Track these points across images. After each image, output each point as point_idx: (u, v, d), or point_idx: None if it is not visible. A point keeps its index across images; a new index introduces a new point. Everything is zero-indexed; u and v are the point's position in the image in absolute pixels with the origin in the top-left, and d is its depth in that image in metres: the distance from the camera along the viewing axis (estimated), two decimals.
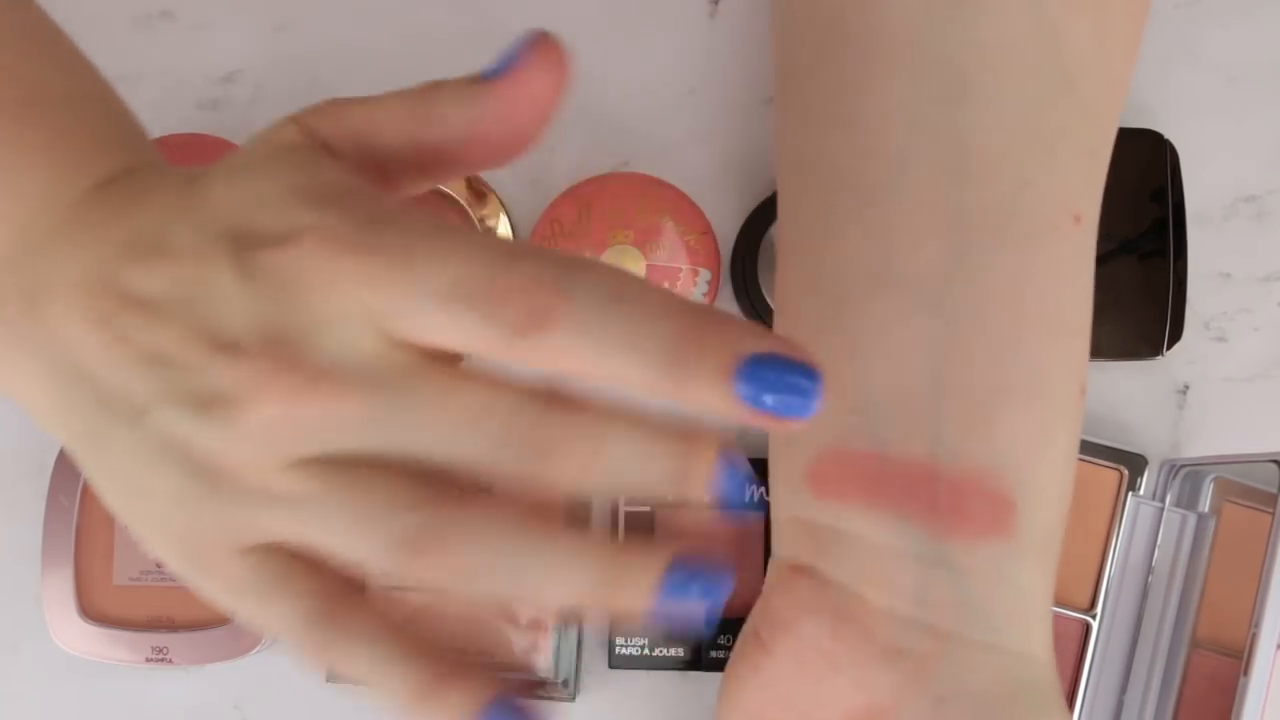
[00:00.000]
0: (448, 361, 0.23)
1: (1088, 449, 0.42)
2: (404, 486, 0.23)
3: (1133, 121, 0.45)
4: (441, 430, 0.22)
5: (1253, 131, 0.45)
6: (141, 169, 0.28)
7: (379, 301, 0.22)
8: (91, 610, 0.42)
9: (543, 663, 0.42)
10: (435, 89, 0.25)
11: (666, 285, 0.42)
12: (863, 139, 0.32)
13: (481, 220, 0.43)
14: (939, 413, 0.31)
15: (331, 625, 0.24)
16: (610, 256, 0.42)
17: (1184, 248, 0.43)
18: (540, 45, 0.24)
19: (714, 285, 0.42)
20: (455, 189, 0.43)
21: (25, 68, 0.28)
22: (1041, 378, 0.32)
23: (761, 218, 0.44)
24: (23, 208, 0.26)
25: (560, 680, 0.42)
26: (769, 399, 0.21)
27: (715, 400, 0.21)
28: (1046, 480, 0.32)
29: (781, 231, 0.36)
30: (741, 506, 0.21)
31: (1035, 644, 0.32)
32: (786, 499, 0.34)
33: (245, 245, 0.23)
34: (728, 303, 0.45)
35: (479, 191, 0.44)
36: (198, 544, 0.25)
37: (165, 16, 0.47)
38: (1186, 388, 0.45)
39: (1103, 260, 0.43)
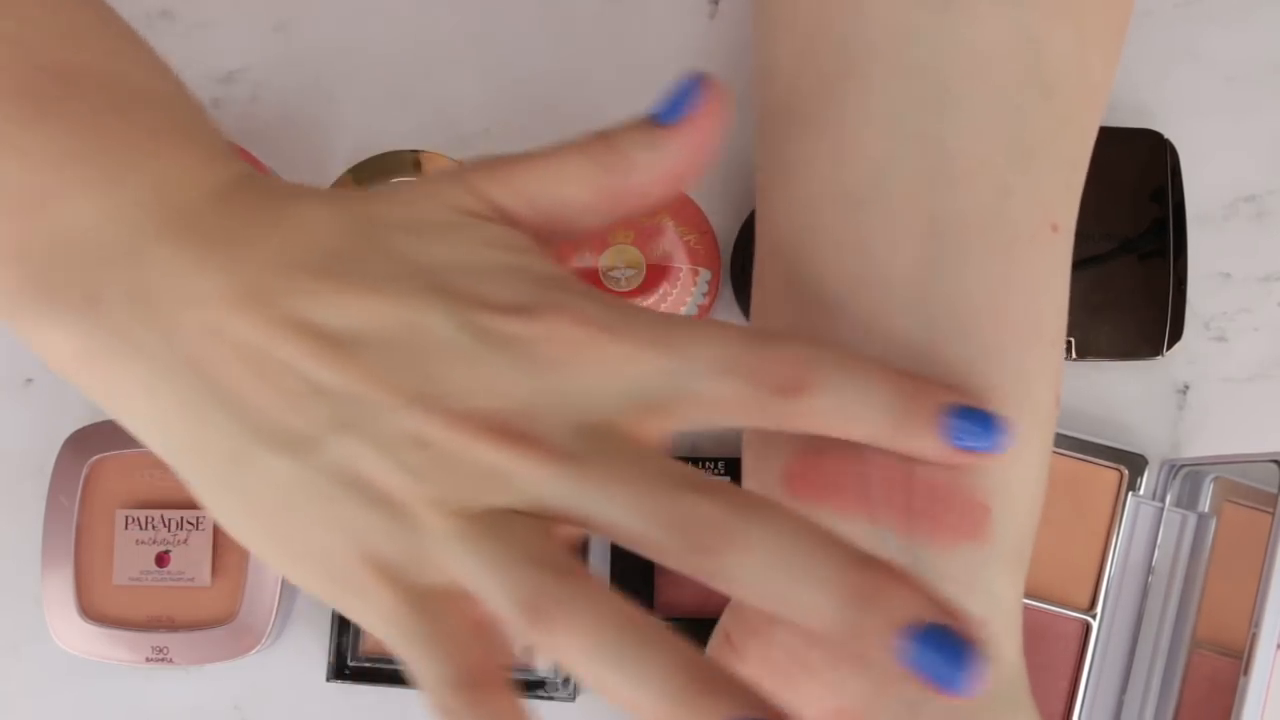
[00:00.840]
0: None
1: (1088, 449, 0.42)
2: (551, 539, 0.25)
3: (1133, 121, 0.45)
4: (629, 506, 0.24)
5: (1253, 131, 0.45)
6: (254, 181, 0.28)
7: (644, 378, 0.25)
8: (91, 610, 0.42)
9: (543, 663, 0.42)
10: (613, 139, 0.27)
11: (665, 285, 0.42)
12: (843, 144, 0.32)
13: None
14: None
15: (467, 697, 0.25)
16: (610, 256, 0.42)
17: (1184, 248, 0.43)
18: (710, 87, 0.27)
19: (714, 285, 0.42)
20: None
21: (113, 65, 0.28)
22: (1020, 385, 0.32)
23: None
24: (127, 206, 0.26)
25: (560, 680, 0.42)
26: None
27: (928, 444, 0.26)
28: (1021, 487, 0.32)
29: (760, 235, 0.36)
30: (939, 682, 0.23)
31: (1006, 648, 0.32)
32: None
33: (470, 305, 0.25)
34: (728, 303, 0.45)
35: None
36: (353, 570, 0.25)
37: (165, 16, 0.47)
38: (1186, 388, 0.45)
39: (1103, 260, 0.43)
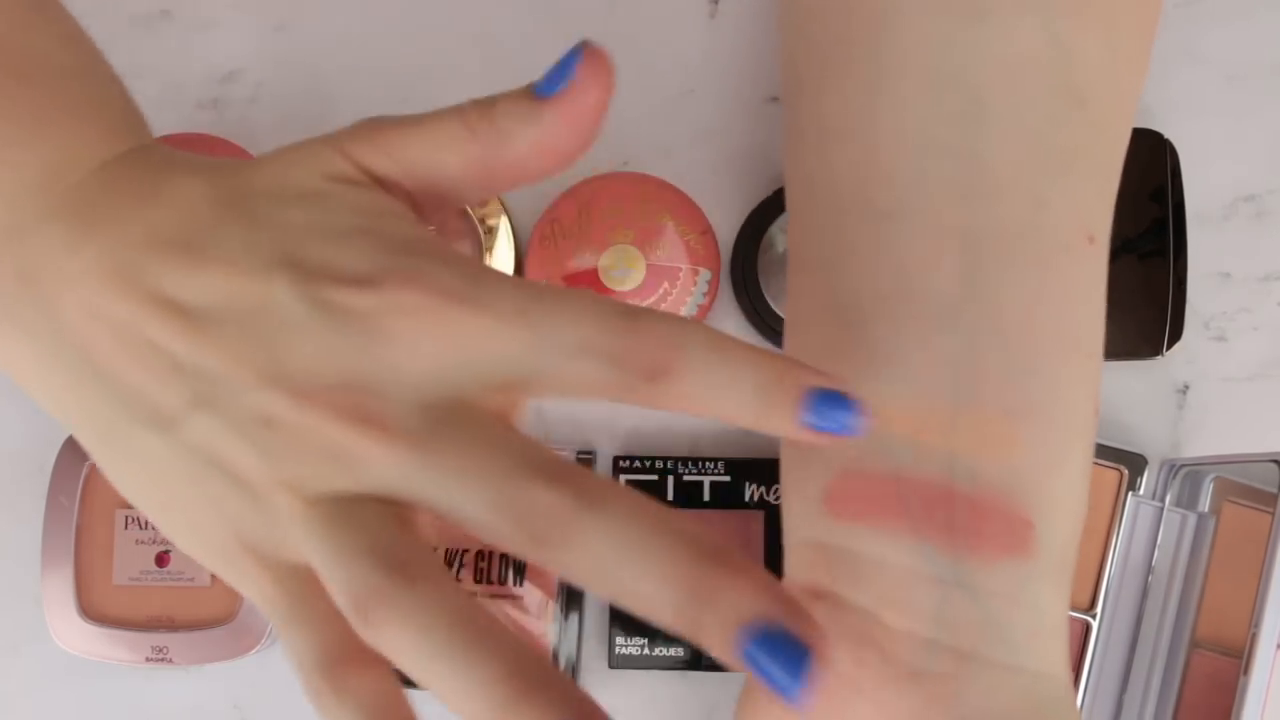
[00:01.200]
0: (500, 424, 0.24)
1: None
2: (400, 530, 0.24)
3: (1133, 121, 0.45)
4: (470, 494, 0.23)
5: (1253, 131, 0.45)
6: (146, 155, 0.28)
7: (500, 355, 0.24)
8: (91, 610, 0.42)
9: None
10: (489, 108, 0.27)
11: (665, 285, 0.42)
12: (875, 158, 0.32)
13: (482, 220, 0.43)
14: (956, 433, 0.31)
15: (330, 677, 0.24)
16: (610, 256, 0.42)
17: (1184, 247, 0.43)
18: (592, 57, 0.26)
19: (714, 285, 0.42)
20: None
21: (21, 38, 0.28)
22: (1059, 398, 0.32)
23: (761, 218, 0.44)
24: (17, 184, 0.26)
25: None
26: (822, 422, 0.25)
27: (788, 425, 0.25)
28: (1063, 499, 0.32)
29: (793, 250, 0.35)
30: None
31: (1054, 662, 0.32)
32: (801, 522, 0.34)
33: (315, 277, 0.24)
34: (727, 303, 0.45)
35: None
36: (230, 548, 0.25)
37: (165, 16, 0.47)
38: (1186, 388, 0.45)
39: None
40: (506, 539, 0.23)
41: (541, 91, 0.26)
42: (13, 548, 0.43)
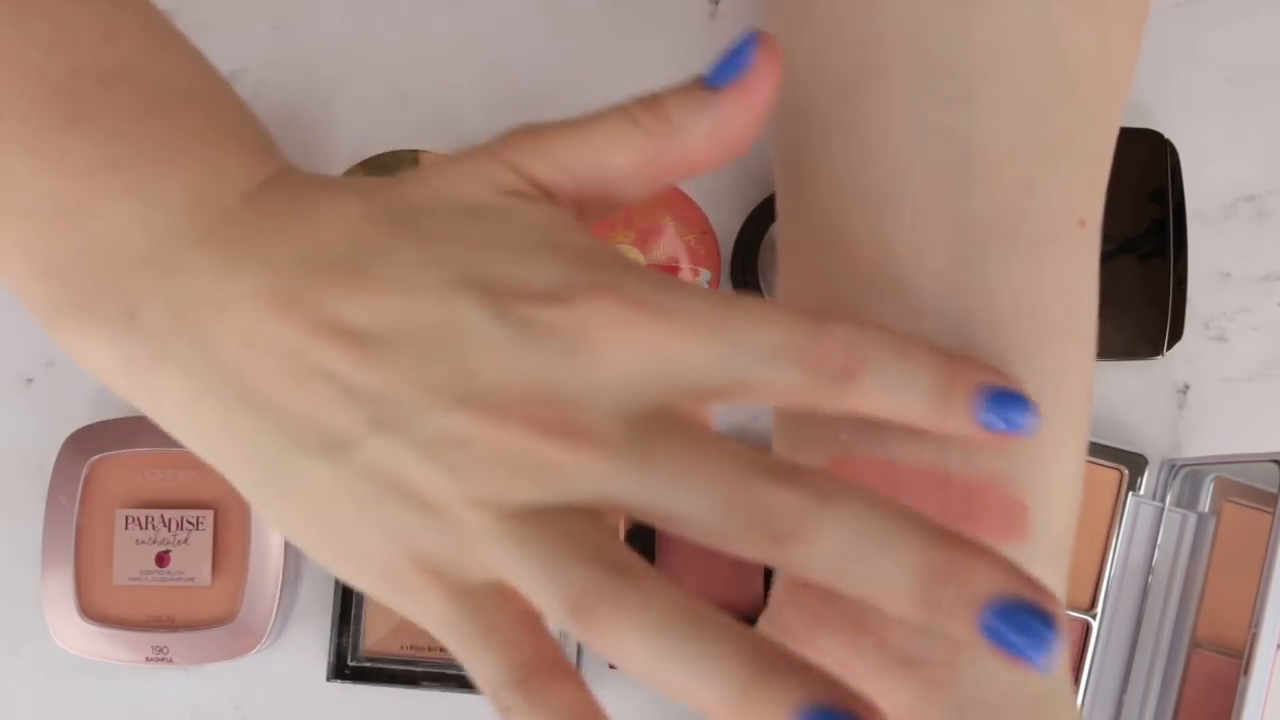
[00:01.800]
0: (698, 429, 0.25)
1: (1088, 449, 0.42)
2: (608, 534, 0.24)
3: (1133, 121, 0.45)
4: (697, 498, 0.24)
5: (1253, 131, 0.45)
6: (290, 177, 0.27)
7: (698, 363, 0.24)
8: (91, 610, 0.42)
9: None
10: (658, 104, 0.27)
11: None
12: (866, 144, 0.32)
13: None
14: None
15: (524, 692, 0.24)
16: None
17: (1184, 247, 0.43)
18: (766, 45, 0.26)
19: (714, 285, 0.42)
20: None
21: (149, 64, 0.27)
22: (1052, 384, 0.31)
23: (761, 218, 0.44)
24: (163, 214, 0.25)
25: None
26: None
27: (963, 424, 0.26)
28: (1059, 485, 0.32)
29: (782, 237, 0.35)
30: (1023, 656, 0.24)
31: None
32: None
33: (505, 294, 0.24)
34: None
35: None
36: (402, 571, 0.25)
37: None
38: (1186, 387, 0.45)
39: (1103, 260, 0.43)
40: (738, 540, 0.23)
41: (714, 81, 0.26)
42: (13, 548, 0.43)
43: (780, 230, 0.36)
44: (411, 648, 0.42)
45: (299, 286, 0.24)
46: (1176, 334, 0.43)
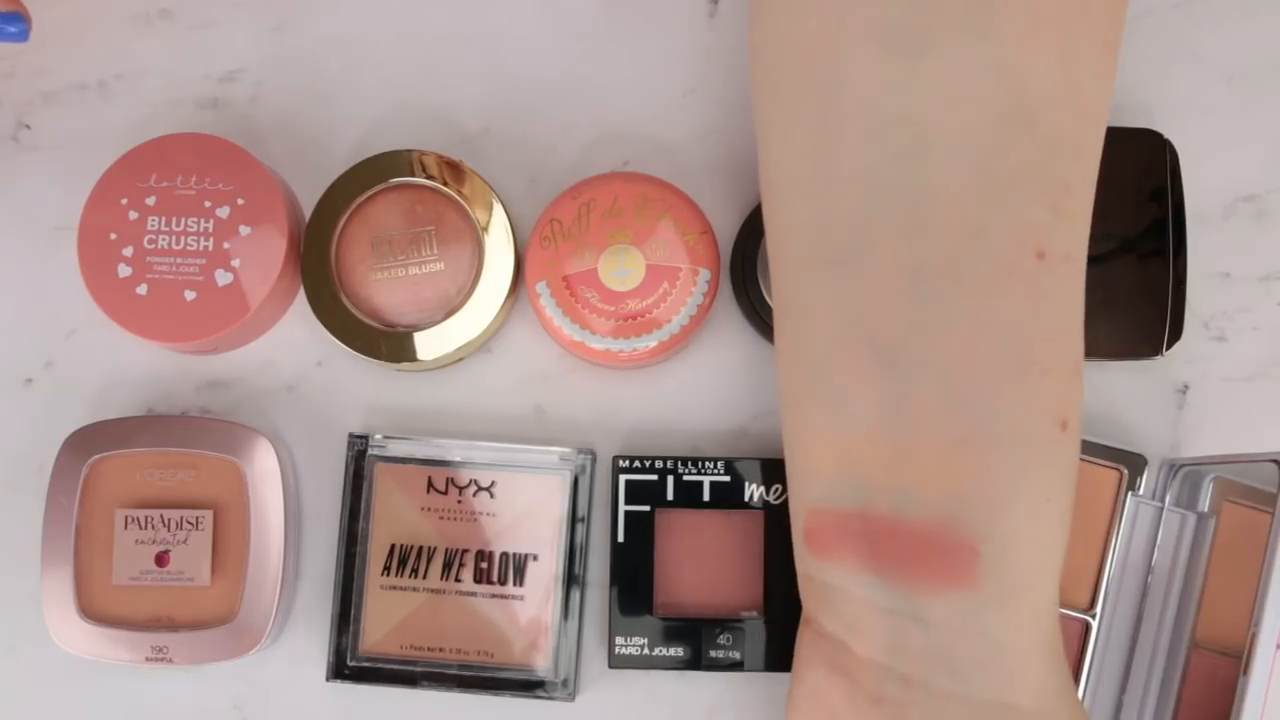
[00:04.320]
0: None
1: (1088, 449, 0.42)
2: None
3: (1133, 121, 0.45)
4: None
5: (1252, 131, 0.45)
6: None
7: None
8: (91, 610, 0.42)
9: (543, 663, 0.42)
10: None
11: (665, 285, 0.42)
12: (829, 207, 0.33)
13: (482, 220, 0.43)
14: (902, 467, 0.32)
15: None
16: (610, 256, 0.42)
17: (1184, 247, 0.43)
18: None
19: (714, 285, 0.42)
20: (437, 173, 0.43)
21: None
22: (1001, 422, 0.31)
23: (761, 218, 0.44)
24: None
25: (560, 680, 0.42)
26: None
27: None
28: (1017, 526, 0.32)
29: (774, 298, 0.37)
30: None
31: (1015, 693, 0.32)
32: (798, 555, 0.36)
33: None
34: (727, 303, 0.45)
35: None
36: None
37: (165, 16, 0.47)
38: (1186, 387, 0.45)
39: (1103, 260, 0.43)
40: None
41: None
42: (12, 548, 0.43)
43: (772, 292, 0.37)
44: (411, 648, 0.42)
45: None
46: (1176, 334, 0.43)
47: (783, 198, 0.34)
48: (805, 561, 0.36)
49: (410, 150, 0.44)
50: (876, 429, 0.32)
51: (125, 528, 0.42)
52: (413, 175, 0.43)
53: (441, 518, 0.43)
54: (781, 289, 0.35)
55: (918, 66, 0.31)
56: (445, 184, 0.43)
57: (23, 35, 0.36)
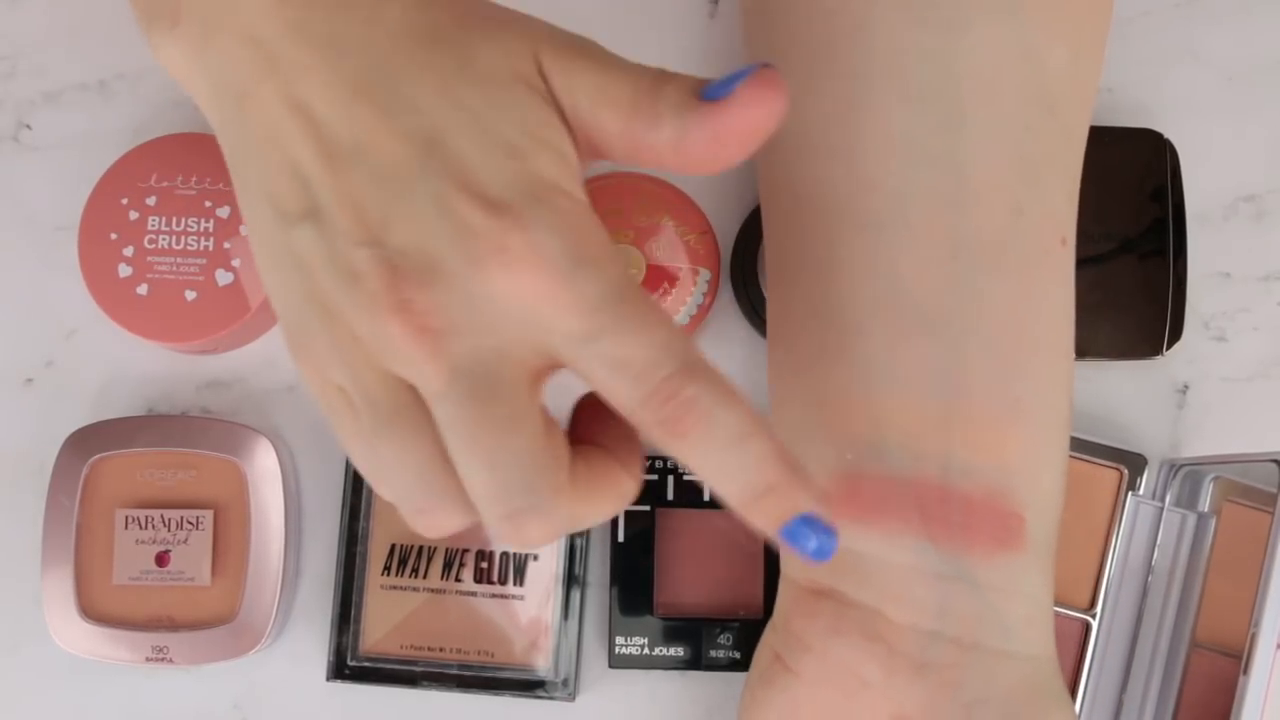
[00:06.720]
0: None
1: (1088, 449, 0.42)
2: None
3: (1133, 121, 0.45)
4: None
5: (1252, 131, 0.45)
6: None
7: (555, 330, 0.25)
8: (91, 610, 0.42)
9: (543, 662, 0.42)
10: (661, 84, 0.26)
11: (665, 285, 0.42)
12: (862, 170, 0.33)
13: None
14: (949, 435, 0.32)
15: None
16: None
17: (1184, 247, 0.43)
18: (762, 79, 0.25)
19: (714, 285, 0.42)
20: None
21: None
22: (1043, 396, 0.33)
23: (761, 219, 0.44)
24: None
25: (560, 680, 0.42)
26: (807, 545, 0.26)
27: (765, 530, 0.26)
28: (1049, 493, 0.33)
29: (772, 261, 0.36)
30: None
31: (1046, 646, 0.34)
32: None
33: (449, 174, 0.24)
34: (727, 303, 0.45)
35: None
36: (302, 340, 0.26)
37: None
38: (1186, 387, 0.45)
39: (1103, 260, 0.43)
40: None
41: (706, 94, 0.26)
42: (13, 548, 0.43)
43: (770, 254, 0.36)
44: (412, 647, 0.42)
45: (300, 59, 0.25)
46: (1176, 334, 0.43)
47: (805, 159, 0.34)
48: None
49: None
50: (920, 394, 0.32)
51: (126, 528, 0.42)
52: None
53: None
54: (801, 248, 0.34)
55: (950, 39, 0.31)
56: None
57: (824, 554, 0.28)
